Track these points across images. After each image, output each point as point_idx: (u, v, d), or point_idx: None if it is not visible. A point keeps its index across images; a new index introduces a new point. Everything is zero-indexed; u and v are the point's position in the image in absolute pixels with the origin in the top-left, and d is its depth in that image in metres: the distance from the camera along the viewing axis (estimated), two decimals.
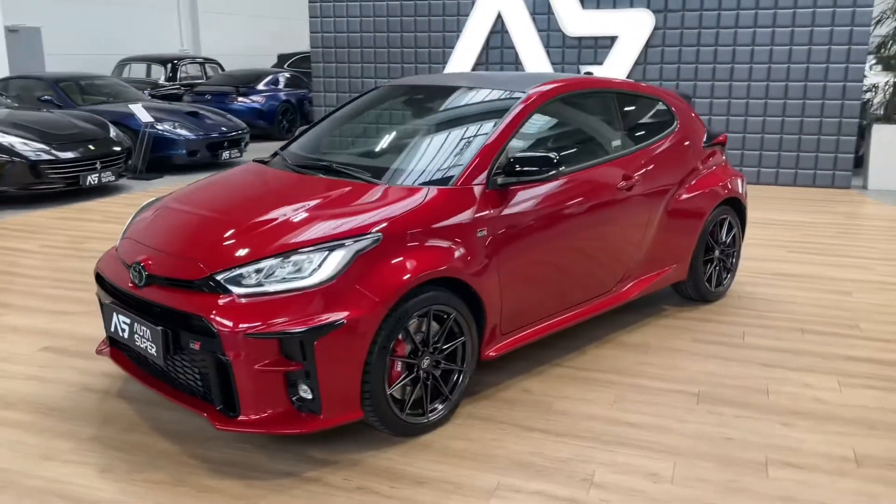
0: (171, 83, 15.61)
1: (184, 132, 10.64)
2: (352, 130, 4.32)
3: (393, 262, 3.04)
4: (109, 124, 9.53)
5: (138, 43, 18.09)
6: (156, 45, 18.58)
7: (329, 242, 2.99)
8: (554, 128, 4.19)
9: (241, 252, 3.00)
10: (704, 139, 4.90)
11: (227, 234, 3.13)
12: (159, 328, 2.99)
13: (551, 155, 3.49)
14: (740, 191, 5.04)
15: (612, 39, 9.97)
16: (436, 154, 3.75)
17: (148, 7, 18.79)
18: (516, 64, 10.43)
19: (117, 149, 9.14)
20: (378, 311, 2.93)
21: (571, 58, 10.20)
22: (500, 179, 3.51)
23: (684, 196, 4.60)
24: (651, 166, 4.39)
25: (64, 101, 10.99)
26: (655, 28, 9.78)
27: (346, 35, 11.30)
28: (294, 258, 2.94)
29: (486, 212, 3.42)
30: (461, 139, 3.78)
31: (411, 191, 3.35)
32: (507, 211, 3.51)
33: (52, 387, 3.71)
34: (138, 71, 16.62)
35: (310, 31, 11.49)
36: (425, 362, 3.20)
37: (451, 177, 3.45)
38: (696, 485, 2.90)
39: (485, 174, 3.48)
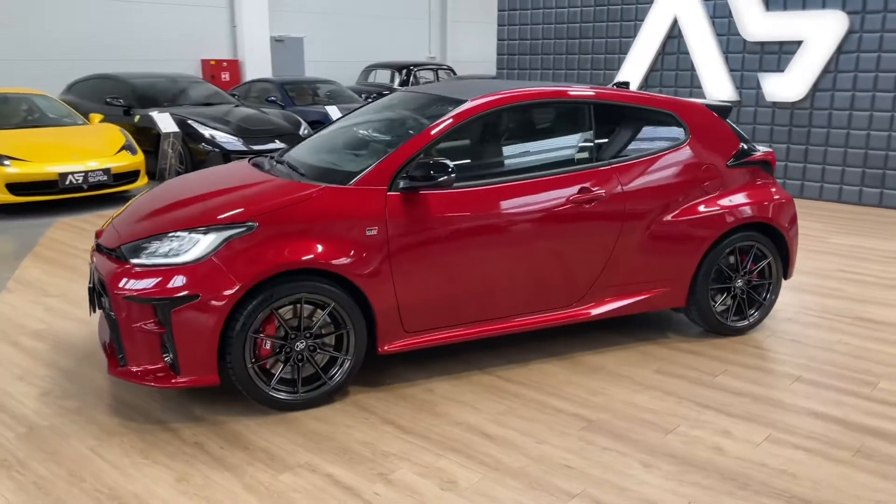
0: (405, 88, 17.03)
1: None
2: (338, 134, 4.67)
3: (261, 249, 3.39)
4: (302, 121, 10.84)
5: (389, 51, 19.92)
6: (406, 53, 20.30)
7: (207, 227, 3.43)
8: (493, 138, 4.17)
9: (145, 228, 3.57)
10: (733, 157, 4.45)
11: (148, 213, 3.72)
12: (89, 286, 3.67)
13: (447, 162, 3.57)
14: (776, 216, 4.49)
15: (798, 44, 9.00)
16: (357, 156, 3.99)
17: (400, 18, 20.58)
18: (692, 71, 9.87)
19: None
20: (235, 291, 3.31)
21: (752, 65, 9.39)
22: (402, 183, 3.66)
23: (678, 217, 4.26)
24: (631, 182, 4.16)
25: (286, 101, 12.67)
26: (850, 32, 8.64)
27: (528, 42, 11.54)
28: (178, 237, 3.43)
29: (382, 213, 3.60)
30: (388, 144, 3.98)
31: (304, 187, 3.64)
32: (409, 214, 3.65)
33: (72, 325, 4.63)
34: (383, 76, 18.35)
35: (497, 38, 11.91)
36: (299, 345, 3.51)
37: (354, 177, 3.68)
38: (479, 499, 2.87)
39: (387, 177, 3.65)
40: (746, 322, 4.59)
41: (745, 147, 4.55)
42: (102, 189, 8.40)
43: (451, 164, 3.57)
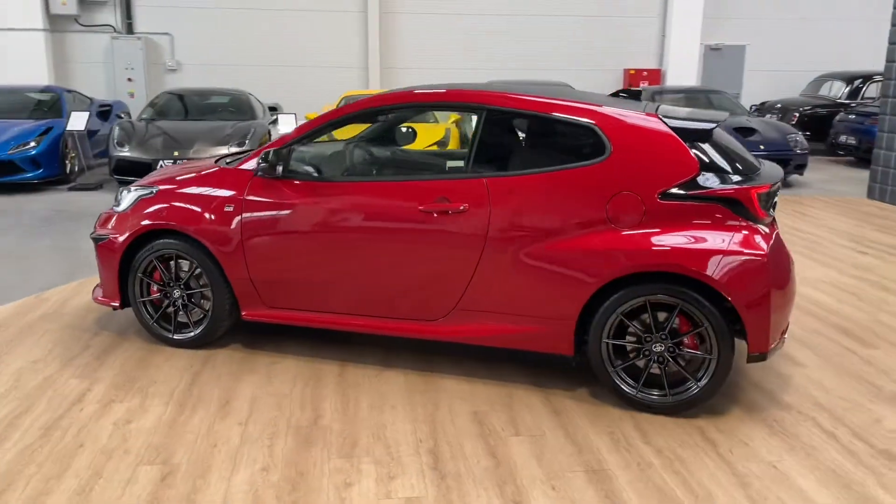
0: (856, 101, 14.71)
1: None
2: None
3: (149, 209, 4.27)
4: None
5: (855, 59, 17.25)
6: (868, 62, 17.28)
7: (135, 188, 4.45)
8: (372, 137, 4.05)
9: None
10: (676, 187, 3.50)
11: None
12: None
13: (285, 154, 3.88)
14: (719, 273, 3.37)
15: None
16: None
17: (857, 21, 17.50)
18: None
19: None
20: (126, 238, 4.29)
21: None
22: (259, 170, 4.08)
23: (559, 247, 3.60)
24: (504, 199, 3.68)
25: None
26: None
27: None
28: (124, 191, 4.53)
29: (241, 193, 4.10)
30: None
31: (210, 167, 4.33)
32: (261, 198, 4.06)
33: None
34: (839, 88, 16.10)
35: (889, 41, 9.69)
36: (175, 293, 4.30)
37: (239, 160, 4.23)
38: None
39: (254, 162, 4.11)
40: (665, 399, 3.56)
41: (706, 177, 3.50)
42: None
43: (288, 157, 3.88)
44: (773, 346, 3.50)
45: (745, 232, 3.46)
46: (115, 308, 4.43)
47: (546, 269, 3.63)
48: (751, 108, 13.47)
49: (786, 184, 11.05)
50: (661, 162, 3.55)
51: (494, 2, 15.91)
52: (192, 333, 4.30)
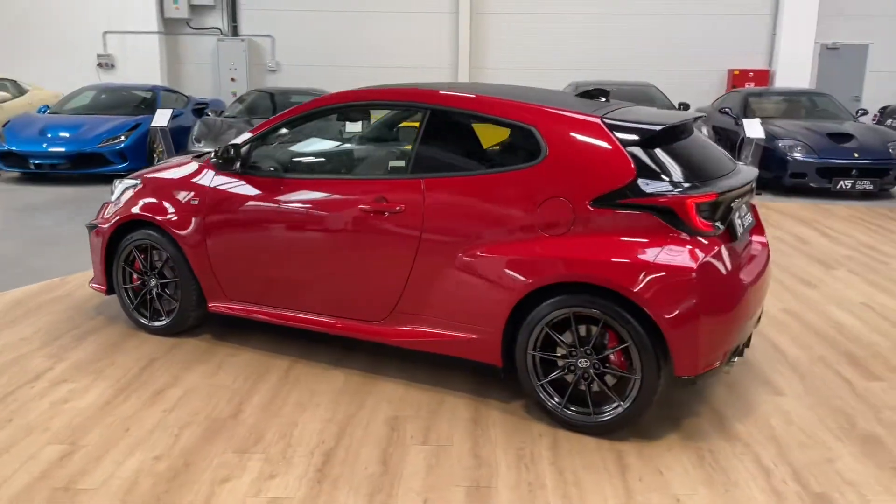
0: None
1: (797, 154, 10.04)
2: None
3: (131, 200, 4.49)
4: None
5: None
6: None
7: (126, 179, 4.69)
8: (324, 135, 4.02)
9: None
10: (611, 193, 3.29)
11: None
12: None
13: (239, 147, 3.98)
14: (639, 286, 3.14)
15: None
16: None
17: None
18: None
19: None
20: (110, 227, 4.53)
21: None
22: (216, 166, 4.18)
23: (487, 252, 3.47)
24: (438, 201, 3.59)
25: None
26: None
27: None
28: (118, 182, 4.78)
29: (206, 187, 4.23)
30: None
31: (187, 161, 4.49)
32: (223, 192, 4.17)
33: None
34: None
35: None
36: (151, 282, 4.51)
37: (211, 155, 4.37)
38: None
39: (217, 157, 4.23)
40: (589, 419, 3.35)
41: (643, 184, 3.26)
42: None
43: (248, 153, 3.99)
44: (706, 369, 3.21)
45: (677, 245, 3.19)
46: (104, 293, 4.69)
47: (475, 276, 3.51)
48: (857, 112, 12.34)
49: (885, 195, 10.10)
50: (596, 167, 3.34)
51: (587, 1, 15.52)
52: (163, 322, 4.48)
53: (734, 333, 3.30)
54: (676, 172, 3.33)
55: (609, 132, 3.38)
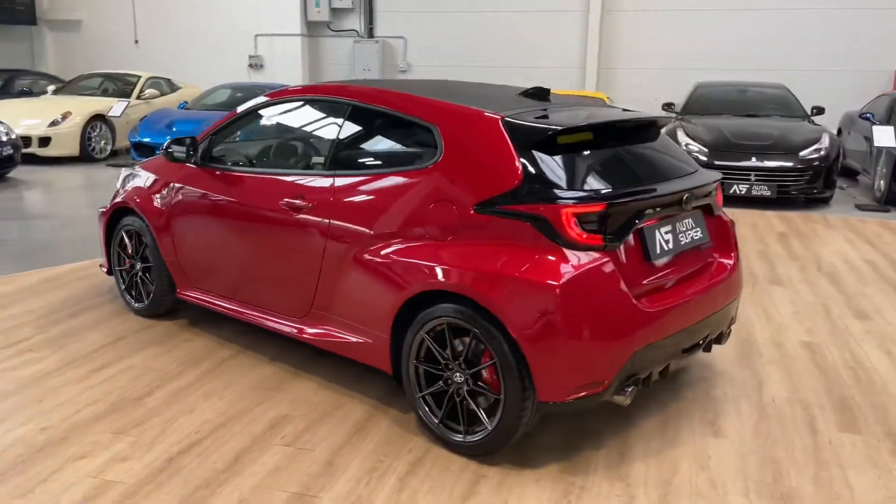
0: None
1: None
2: None
3: (125, 188, 4.79)
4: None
5: None
6: None
7: (130, 168, 5.01)
8: (271, 131, 4.02)
9: None
10: (495, 198, 3.05)
11: None
12: None
13: (197, 141, 4.15)
14: (493, 295, 2.89)
15: None
16: None
17: None
18: None
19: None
20: (106, 212, 4.88)
21: None
22: (172, 157, 4.34)
23: (375, 255, 3.34)
24: (342, 200, 3.52)
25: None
26: None
27: None
28: (122, 171, 5.11)
29: (172, 178, 4.42)
30: None
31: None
32: (183, 185, 4.34)
33: None
34: None
35: None
36: (137, 265, 4.79)
37: None
38: None
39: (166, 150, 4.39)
40: (462, 439, 3.13)
41: (528, 190, 2.99)
42: None
43: (209, 147, 4.19)
44: (574, 397, 2.89)
45: (549, 257, 2.89)
46: (107, 274, 5.05)
47: (367, 278, 3.40)
48: None
49: None
50: (484, 169, 3.12)
51: None
52: (143, 304, 4.74)
53: (615, 360, 2.93)
54: (575, 179, 3.03)
55: (505, 132, 3.13)
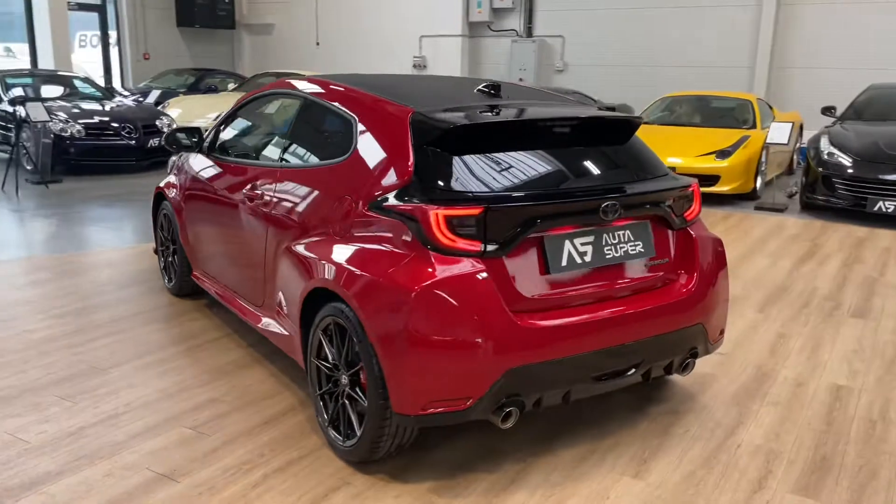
0: None
1: None
2: None
3: (168, 176, 5.17)
4: None
5: None
6: None
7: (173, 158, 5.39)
8: (254, 125, 4.10)
9: None
10: (387, 197, 2.93)
11: None
12: None
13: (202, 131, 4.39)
14: (354, 292, 2.76)
15: None
16: None
17: None
18: None
19: None
20: (153, 197, 5.29)
21: None
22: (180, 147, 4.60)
23: (290, 249, 3.32)
24: (280, 192, 3.54)
25: None
26: None
27: None
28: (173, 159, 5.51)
29: (187, 165, 4.70)
30: None
31: None
32: (192, 171, 4.60)
33: None
34: None
35: None
36: (170, 247, 5.14)
37: None
38: None
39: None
40: (341, 443, 3.03)
41: (414, 189, 2.83)
42: None
43: (214, 137, 4.43)
44: (429, 411, 2.68)
45: (415, 261, 2.71)
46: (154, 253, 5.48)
47: (287, 271, 3.39)
48: None
49: None
50: (382, 166, 3.00)
51: None
52: (172, 283, 5.08)
53: (481, 377, 2.67)
54: (470, 180, 2.82)
55: (408, 128, 2.98)
